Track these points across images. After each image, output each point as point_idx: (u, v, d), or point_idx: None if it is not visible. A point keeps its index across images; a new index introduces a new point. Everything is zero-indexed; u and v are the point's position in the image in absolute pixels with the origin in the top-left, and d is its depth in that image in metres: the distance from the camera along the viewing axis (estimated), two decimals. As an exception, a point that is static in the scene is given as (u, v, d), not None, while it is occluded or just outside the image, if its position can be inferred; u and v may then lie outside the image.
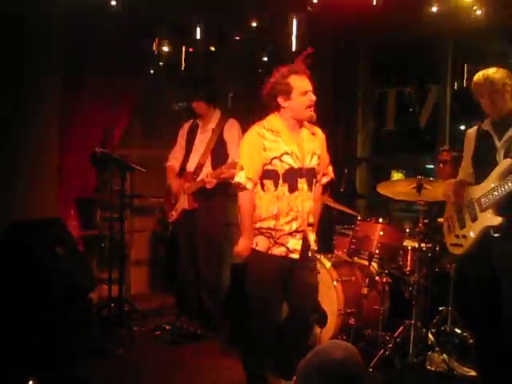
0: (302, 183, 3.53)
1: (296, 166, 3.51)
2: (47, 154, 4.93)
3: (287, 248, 3.51)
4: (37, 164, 4.81)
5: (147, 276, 6.31)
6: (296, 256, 3.53)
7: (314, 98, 3.54)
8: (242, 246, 3.56)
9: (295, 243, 3.53)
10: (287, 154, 3.50)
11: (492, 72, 3.57)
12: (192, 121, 5.21)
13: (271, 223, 3.51)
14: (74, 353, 4.21)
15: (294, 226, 3.51)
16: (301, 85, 3.52)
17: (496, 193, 3.47)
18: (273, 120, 3.58)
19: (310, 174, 3.58)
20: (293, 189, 3.50)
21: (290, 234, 3.52)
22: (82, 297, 4.52)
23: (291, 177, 3.50)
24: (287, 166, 3.50)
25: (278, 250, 3.52)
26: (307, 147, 3.59)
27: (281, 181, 3.50)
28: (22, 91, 4.68)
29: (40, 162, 4.85)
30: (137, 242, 6.17)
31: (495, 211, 3.51)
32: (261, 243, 3.53)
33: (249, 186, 3.50)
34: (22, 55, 4.66)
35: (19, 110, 4.70)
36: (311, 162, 3.58)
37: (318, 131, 3.73)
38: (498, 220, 3.48)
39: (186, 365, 4.38)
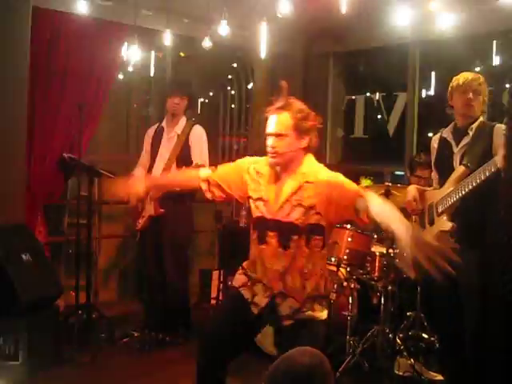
0: (271, 237, 3.04)
1: (268, 216, 3.06)
2: (14, 159, 4.84)
3: (253, 297, 3.10)
4: (3, 170, 4.73)
5: (115, 283, 6.24)
6: (254, 311, 3.08)
7: (271, 143, 3.07)
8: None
9: (260, 299, 3.08)
10: (262, 199, 3.09)
11: (478, 74, 3.66)
12: (157, 125, 5.19)
13: (249, 265, 3.21)
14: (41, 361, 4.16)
15: (264, 280, 3.08)
16: (267, 126, 3.15)
17: (449, 198, 3.55)
18: (262, 161, 3.20)
19: (286, 229, 3.01)
20: (261, 240, 3.10)
21: (263, 285, 3.09)
22: (49, 304, 4.47)
23: (260, 226, 3.10)
24: (258, 213, 3.11)
25: (247, 294, 3.12)
26: (285, 197, 3.03)
27: (252, 226, 3.20)
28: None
29: (6, 168, 4.77)
30: (104, 249, 6.11)
31: (448, 216, 3.57)
32: (237, 278, 3.23)
33: (203, 185, 3.26)
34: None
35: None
36: (290, 215, 3.00)
37: (321, 179, 3.07)
38: (448, 225, 3.55)
39: (153, 372, 4.35)
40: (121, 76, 5.89)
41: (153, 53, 6.21)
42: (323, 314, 3.08)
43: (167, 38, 5.03)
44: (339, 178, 3.08)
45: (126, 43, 5.45)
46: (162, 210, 4.90)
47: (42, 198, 5.25)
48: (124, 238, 6.21)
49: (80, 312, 4.88)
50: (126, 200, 4.20)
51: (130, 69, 5.62)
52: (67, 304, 5.11)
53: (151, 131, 5.19)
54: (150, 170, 5.08)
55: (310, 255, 3.03)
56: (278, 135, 3.06)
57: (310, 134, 3.08)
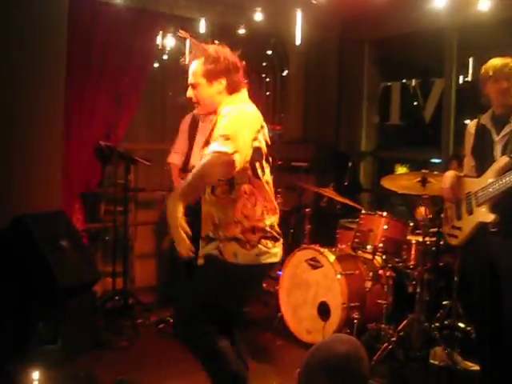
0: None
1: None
2: (52, 147, 4.92)
3: None
4: (41, 158, 4.81)
5: (151, 269, 6.31)
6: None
7: (187, 94, 3.06)
8: None
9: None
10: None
11: (508, 58, 3.58)
12: (193, 113, 5.21)
13: None
14: (79, 345, 4.24)
15: None
16: None
17: (491, 189, 3.48)
18: None
19: None
20: None
21: None
22: (87, 290, 4.54)
23: None
24: None
25: None
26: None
27: None
28: (24, 82, 4.67)
29: (44, 156, 4.85)
30: (141, 235, 6.18)
31: (490, 207, 3.51)
32: None
33: None
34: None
35: (22, 102, 4.70)
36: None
37: (219, 114, 3.00)
38: (491, 217, 3.48)
39: (188, 358, 4.36)
40: (156, 64, 5.92)
41: (188, 41, 6.20)
42: (235, 258, 2.94)
43: (202, 26, 5.04)
44: (228, 115, 2.89)
45: (161, 32, 5.47)
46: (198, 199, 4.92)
47: (80, 185, 5.33)
48: (159, 224, 6.27)
49: (117, 298, 4.97)
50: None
51: (166, 57, 5.65)
52: (104, 290, 5.20)
53: (188, 118, 5.21)
54: (187, 157, 5.12)
55: (217, 202, 2.99)
56: (191, 85, 3.04)
57: (223, 76, 3.00)
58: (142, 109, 5.84)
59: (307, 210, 5.15)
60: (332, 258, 4.66)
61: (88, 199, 5.58)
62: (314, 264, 4.74)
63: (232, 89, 3.04)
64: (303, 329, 4.73)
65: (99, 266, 5.16)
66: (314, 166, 5.80)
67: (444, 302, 4.64)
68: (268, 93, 7.24)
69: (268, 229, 2.98)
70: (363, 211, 4.83)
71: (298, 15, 4.61)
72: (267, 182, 3.01)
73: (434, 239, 4.50)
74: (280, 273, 5.01)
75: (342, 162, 5.92)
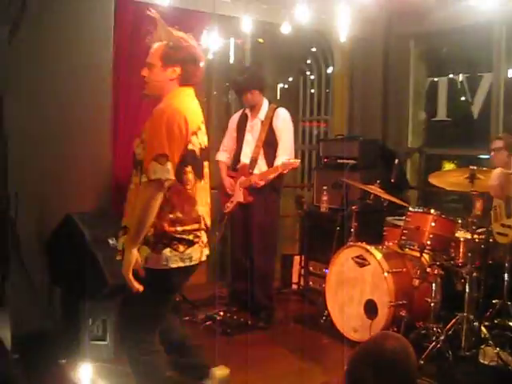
0: (134, 175, 3.03)
1: None
2: (100, 148, 5.01)
3: None
4: (91, 158, 4.90)
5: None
6: None
7: (142, 73, 3.03)
8: None
9: None
10: None
11: None
12: (241, 112, 5.23)
13: None
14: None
15: None
16: None
17: None
18: None
19: (135, 166, 2.99)
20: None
21: None
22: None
23: None
24: None
25: None
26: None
27: None
28: (72, 81, 4.77)
29: (94, 156, 4.94)
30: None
31: None
32: None
33: None
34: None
35: (70, 103, 4.80)
36: (136, 151, 2.98)
37: (155, 110, 2.91)
38: None
39: (235, 355, 4.42)
40: (201, 64, 5.94)
41: (232, 40, 6.25)
42: (158, 264, 2.88)
43: (246, 25, 5.05)
44: (161, 117, 2.81)
45: (205, 31, 5.50)
46: (251, 198, 4.97)
47: (128, 185, 5.38)
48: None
49: (164, 295, 5.01)
50: None
51: (210, 56, 5.68)
52: (153, 287, 5.25)
53: (235, 117, 5.25)
54: (236, 156, 5.15)
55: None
56: (147, 64, 3.01)
57: (179, 64, 2.95)
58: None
59: (353, 207, 5.12)
60: (379, 255, 4.63)
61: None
62: (361, 262, 4.71)
63: (184, 80, 2.98)
64: (350, 327, 4.71)
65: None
66: (360, 163, 5.75)
67: (494, 301, 4.56)
68: (313, 90, 7.22)
69: (178, 235, 2.91)
70: (410, 208, 4.78)
71: (343, 11, 4.58)
72: (197, 188, 2.96)
73: (482, 236, 4.42)
74: (326, 271, 5.00)
75: (388, 158, 5.86)
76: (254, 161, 5.02)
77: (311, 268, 5.91)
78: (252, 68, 5.23)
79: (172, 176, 2.74)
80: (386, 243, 4.94)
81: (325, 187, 5.79)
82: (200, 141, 2.97)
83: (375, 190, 5.05)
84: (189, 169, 2.89)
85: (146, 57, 5.00)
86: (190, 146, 2.87)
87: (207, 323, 4.99)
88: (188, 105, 2.96)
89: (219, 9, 5.16)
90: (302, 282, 6.00)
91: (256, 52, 6.35)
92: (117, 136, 5.21)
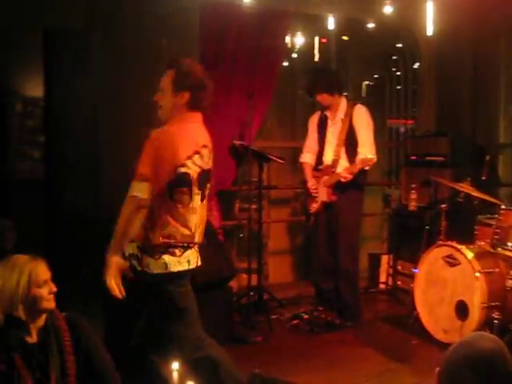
0: None
1: None
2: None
3: None
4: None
5: (285, 265, 6.39)
6: None
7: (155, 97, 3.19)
8: None
9: None
10: None
11: None
12: (320, 112, 5.21)
13: None
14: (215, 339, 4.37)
15: None
16: None
17: None
18: None
19: None
20: None
21: None
22: (223, 285, 4.67)
23: None
24: None
25: None
26: None
27: None
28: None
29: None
30: (274, 232, 6.27)
31: None
32: None
33: None
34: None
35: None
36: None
37: (153, 132, 3.10)
38: None
39: (323, 355, 4.41)
40: (286, 63, 5.98)
41: (316, 38, 6.24)
42: (157, 268, 3.03)
43: (331, 23, 5.03)
44: (153, 140, 2.99)
45: (290, 30, 5.52)
46: (335, 197, 4.95)
47: (216, 184, 5.48)
48: (292, 221, 6.33)
49: (252, 293, 5.07)
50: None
51: (295, 55, 5.69)
52: (240, 286, 5.33)
53: (315, 118, 5.24)
54: (319, 156, 5.15)
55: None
56: (160, 89, 3.14)
57: (188, 90, 3.07)
58: (272, 107, 5.92)
59: (443, 205, 4.99)
60: (470, 255, 4.49)
61: (223, 197, 5.74)
62: (451, 261, 4.59)
63: (192, 105, 3.13)
64: (440, 328, 4.60)
65: (234, 263, 5.29)
66: (450, 160, 5.61)
67: None
68: (399, 87, 7.10)
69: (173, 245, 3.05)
70: (503, 206, 4.61)
71: (429, 5, 4.48)
72: (192, 208, 3.08)
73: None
74: (415, 270, 4.90)
75: (479, 155, 5.68)
76: (336, 160, 4.99)
77: (399, 267, 5.82)
78: (316, 71, 5.17)
79: (145, 195, 2.92)
80: (478, 242, 4.79)
81: (413, 185, 5.68)
82: (199, 164, 3.10)
83: (466, 187, 4.91)
84: (183, 190, 3.03)
85: (232, 59, 5.12)
86: (183, 169, 3.01)
87: (294, 322, 5.00)
88: (187, 130, 3.12)
89: (303, 7, 5.15)
90: (390, 282, 5.92)
91: (341, 49, 6.32)
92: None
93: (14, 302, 2.52)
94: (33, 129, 5.41)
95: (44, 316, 2.60)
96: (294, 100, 6.35)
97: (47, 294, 2.56)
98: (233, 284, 4.95)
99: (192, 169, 3.06)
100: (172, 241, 3.04)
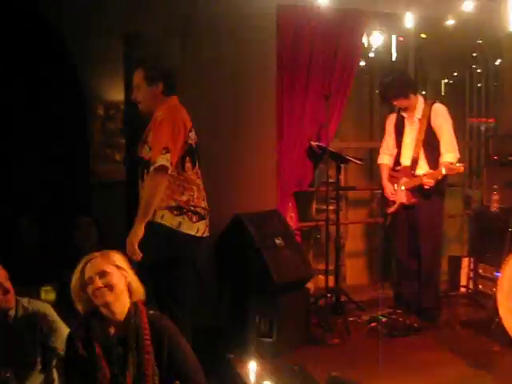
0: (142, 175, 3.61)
1: None
2: (265, 149, 5.16)
3: None
4: (257, 160, 5.06)
5: (363, 267, 6.34)
6: None
7: (132, 96, 3.70)
8: None
9: None
10: None
11: None
12: (396, 112, 5.14)
13: None
14: (292, 340, 4.39)
15: None
16: None
17: None
18: None
19: (141, 168, 3.61)
20: None
21: None
22: (300, 286, 4.67)
23: None
24: None
25: None
26: None
27: None
28: (238, 83, 4.95)
29: (260, 158, 5.10)
30: (351, 234, 6.23)
31: None
32: None
33: None
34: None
35: (237, 106, 4.99)
36: (141, 155, 3.59)
37: (157, 116, 3.55)
38: None
39: (401, 358, 4.34)
40: (362, 63, 5.92)
41: (393, 37, 6.14)
42: (170, 223, 3.49)
43: (408, 21, 4.95)
44: (165, 120, 3.43)
45: (366, 29, 5.46)
46: (415, 200, 4.88)
47: (293, 185, 5.49)
48: (370, 223, 6.27)
49: (329, 295, 5.05)
50: None
51: (372, 55, 5.63)
52: (317, 287, 5.31)
53: (392, 118, 5.16)
54: (397, 157, 5.08)
55: None
56: (135, 87, 3.62)
57: (160, 80, 3.56)
58: (349, 108, 5.88)
59: (527, 207, 4.82)
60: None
61: (300, 198, 5.74)
62: (536, 265, 4.43)
63: (168, 91, 3.60)
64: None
65: (311, 264, 5.29)
66: (535, 159, 5.41)
67: None
68: (479, 84, 6.89)
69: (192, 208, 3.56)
70: None
71: (510, 0, 4.33)
72: (193, 174, 3.60)
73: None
74: (498, 274, 4.75)
75: None
76: (414, 162, 4.91)
77: (481, 271, 5.65)
78: (386, 78, 5.07)
79: (169, 164, 3.35)
80: None
81: (495, 186, 5.50)
82: (193, 137, 3.60)
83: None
84: (187, 159, 3.55)
85: (308, 61, 5.13)
86: (188, 140, 3.54)
87: (372, 325, 4.94)
88: (179, 109, 3.59)
89: (380, 6, 5.09)
90: (470, 285, 5.76)
91: (419, 48, 6.20)
92: (282, 138, 5.34)
93: (76, 298, 2.63)
94: (114, 131, 5.61)
95: (122, 311, 2.67)
96: (372, 100, 6.27)
97: (91, 291, 2.63)
98: (310, 285, 4.94)
99: (192, 140, 3.58)
100: (192, 203, 3.53)
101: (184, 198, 3.53)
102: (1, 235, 4.71)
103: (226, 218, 4.66)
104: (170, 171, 3.40)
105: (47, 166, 5.18)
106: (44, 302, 3.17)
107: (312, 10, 5.01)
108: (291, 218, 5.38)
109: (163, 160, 3.35)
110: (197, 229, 3.60)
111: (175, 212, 3.50)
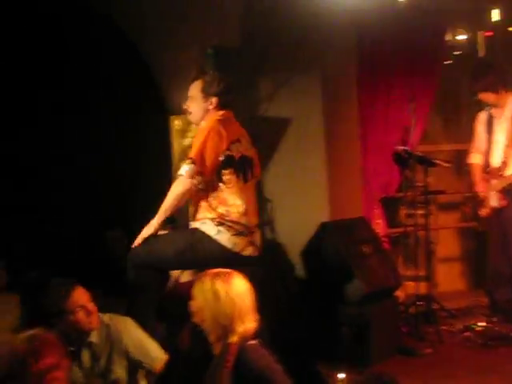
0: None
1: None
2: (350, 155, 5.11)
3: None
4: (342, 166, 5.02)
5: (456, 273, 6.14)
6: None
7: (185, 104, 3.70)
8: None
9: None
10: None
11: None
12: (486, 111, 4.95)
13: None
14: (382, 351, 4.30)
15: None
16: None
17: None
18: None
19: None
20: None
21: None
22: (389, 295, 4.58)
23: None
24: None
25: None
26: None
27: None
28: (321, 95, 4.93)
29: (344, 164, 5.05)
30: (443, 239, 6.04)
31: None
32: None
33: None
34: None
35: (321, 116, 4.96)
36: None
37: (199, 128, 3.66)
38: None
39: (498, 370, 4.13)
40: (447, 61, 5.74)
41: (479, 33, 5.92)
42: (209, 230, 3.46)
43: (495, 15, 4.78)
44: (202, 133, 3.49)
45: (450, 27, 5.31)
46: (506, 202, 4.70)
47: (379, 191, 5.42)
48: (462, 227, 6.07)
49: (420, 303, 4.91)
50: None
51: (457, 52, 5.46)
52: (407, 295, 5.18)
53: (482, 117, 5.00)
54: (487, 157, 4.91)
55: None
56: (189, 97, 3.65)
57: (215, 95, 3.56)
58: (435, 109, 5.73)
59: None
60: None
61: (387, 204, 5.63)
62: None
63: (221, 106, 3.59)
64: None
65: (401, 271, 5.17)
66: None
67: None
68: None
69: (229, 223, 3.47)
70: None
71: None
72: (239, 188, 3.51)
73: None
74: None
75: None
76: (504, 163, 4.73)
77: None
78: (477, 68, 4.89)
79: (188, 174, 3.38)
80: None
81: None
82: (240, 149, 3.55)
83: None
84: (228, 171, 3.48)
85: (390, 64, 5.04)
86: (228, 152, 3.47)
87: (465, 334, 4.75)
88: (225, 122, 3.55)
89: (462, 3, 4.93)
90: None
91: (507, 42, 5.93)
92: (366, 144, 5.27)
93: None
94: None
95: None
96: (458, 100, 6.07)
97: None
98: (399, 293, 4.83)
99: (234, 152, 3.50)
100: (228, 218, 3.45)
101: (220, 210, 3.48)
102: (88, 249, 4.91)
103: (312, 226, 4.63)
104: (193, 183, 3.40)
105: (133, 179, 5.35)
106: (124, 316, 3.20)
107: (392, 8, 4.92)
108: (378, 224, 5.30)
109: (182, 170, 3.41)
110: (234, 243, 3.47)
111: (214, 222, 3.46)
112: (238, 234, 3.48)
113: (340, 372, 3.28)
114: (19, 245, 5.36)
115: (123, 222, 4.99)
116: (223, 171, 3.47)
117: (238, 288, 2.61)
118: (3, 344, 2.29)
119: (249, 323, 2.61)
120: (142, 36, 4.91)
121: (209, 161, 3.41)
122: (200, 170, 3.39)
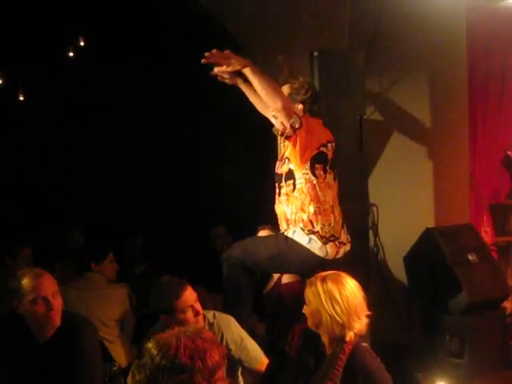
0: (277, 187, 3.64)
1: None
2: (458, 160, 4.99)
3: None
4: (449, 172, 4.92)
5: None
6: None
7: None
8: None
9: None
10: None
11: None
12: None
13: None
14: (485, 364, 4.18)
15: None
16: None
17: None
18: None
19: (278, 180, 3.61)
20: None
21: None
22: (495, 305, 4.44)
23: None
24: None
25: None
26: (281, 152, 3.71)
27: None
28: (430, 99, 4.85)
29: (452, 170, 4.94)
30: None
31: None
32: None
33: None
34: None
35: (430, 119, 4.87)
36: (281, 169, 3.61)
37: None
38: None
39: None
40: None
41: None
42: (300, 239, 3.45)
43: None
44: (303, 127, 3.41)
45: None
46: None
47: (487, 197, 5.26)
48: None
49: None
50: None
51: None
52: (516, 306, 4.98)
53: None
54: None
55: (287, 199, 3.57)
56: None
57: (302, 103, 3.53)
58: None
59: None
60: None
61: (496, 211, 5.45)
62: None
63: (307, 112, 3.55)
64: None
65: (509, 281, 4.98)
66: None
67: None
68: None
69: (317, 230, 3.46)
70: None
71: None
72: (325, 183, 3.51)
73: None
74: None
75: None
76: None
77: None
78: None
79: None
80: None
81: None
82: (332, 150, 3.58)
83: None
84: (319, 166, 3.48)
85: (502, 66, 4.87)
86: (322, 149, 3.50)
87: None
88: (315, 125, 3.55)
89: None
90: None
91: None
92: (475, 148, 5.13)
93: None
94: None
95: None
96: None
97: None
98: (506, 304, 4.66)
99: (327, 151, 3.54)
100: (318, 221, 3.45)
101: (311, 209, 3.45)
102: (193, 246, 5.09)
103: (416, 232, 4.57)
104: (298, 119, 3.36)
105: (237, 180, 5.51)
106: (228, 315, 3.25)
107: (505, 10, 4.76)
108: (486, 232, 5.14)
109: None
110: (326, 252, 3.45)
111: (305, 230, 3.45)
112: (328, 241, 3.46)
113: (440, 381, 3.23)
114: (135, 237, 5.67)
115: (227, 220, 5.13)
116: (316, 165, 3.48)
117: (349, 286, 2.71)
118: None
119: (364, 318, 2.71)
120: (253, 43, 4.97)
121: (310, 149, 3.44)
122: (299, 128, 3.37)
